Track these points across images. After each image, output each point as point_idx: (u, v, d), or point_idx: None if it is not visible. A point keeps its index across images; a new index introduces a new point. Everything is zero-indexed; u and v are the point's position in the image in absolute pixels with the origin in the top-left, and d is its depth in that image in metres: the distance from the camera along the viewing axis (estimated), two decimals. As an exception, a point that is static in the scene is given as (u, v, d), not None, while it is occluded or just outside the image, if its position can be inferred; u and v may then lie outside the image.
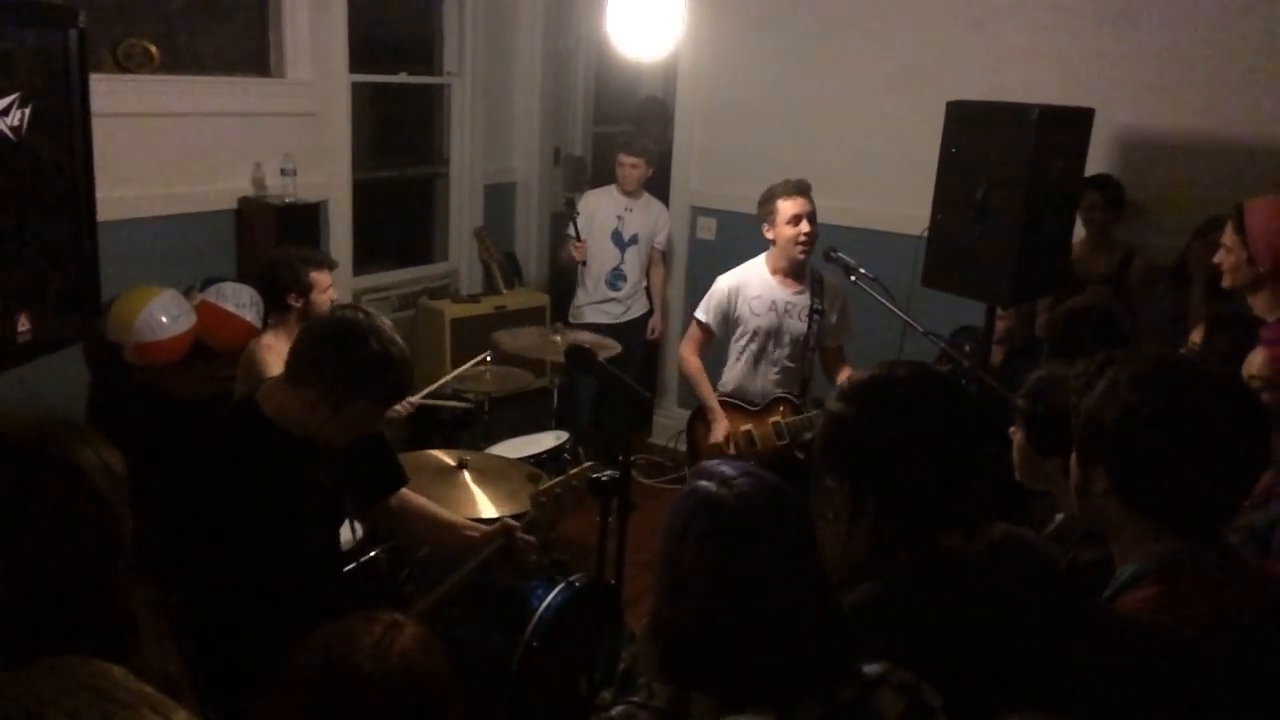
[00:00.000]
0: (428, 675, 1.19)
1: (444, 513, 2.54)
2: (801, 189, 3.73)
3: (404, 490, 2.48)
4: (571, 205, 4.95)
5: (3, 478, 1.24)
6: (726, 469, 1.34)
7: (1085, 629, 1.40)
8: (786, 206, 3.68)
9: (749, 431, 3.79)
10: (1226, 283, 2.67)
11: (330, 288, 3.41)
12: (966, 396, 1.76)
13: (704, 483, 1.32)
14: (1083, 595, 1.60)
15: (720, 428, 3.76)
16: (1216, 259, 2.68)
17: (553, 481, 2.58)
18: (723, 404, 3.82)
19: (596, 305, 5.03)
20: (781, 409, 3.82)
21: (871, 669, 1.30)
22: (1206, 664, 1.31)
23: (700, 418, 3.88)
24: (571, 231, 5.00)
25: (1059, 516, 1.96)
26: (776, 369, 3.82)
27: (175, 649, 1.87)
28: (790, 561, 1.29)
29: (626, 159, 4.93)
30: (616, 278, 5.01)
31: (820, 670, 1.28)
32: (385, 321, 2.11)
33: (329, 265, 3.46)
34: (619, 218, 4.97)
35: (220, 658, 1.95)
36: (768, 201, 3.74)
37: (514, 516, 2.56)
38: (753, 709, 1.23)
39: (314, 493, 2.15)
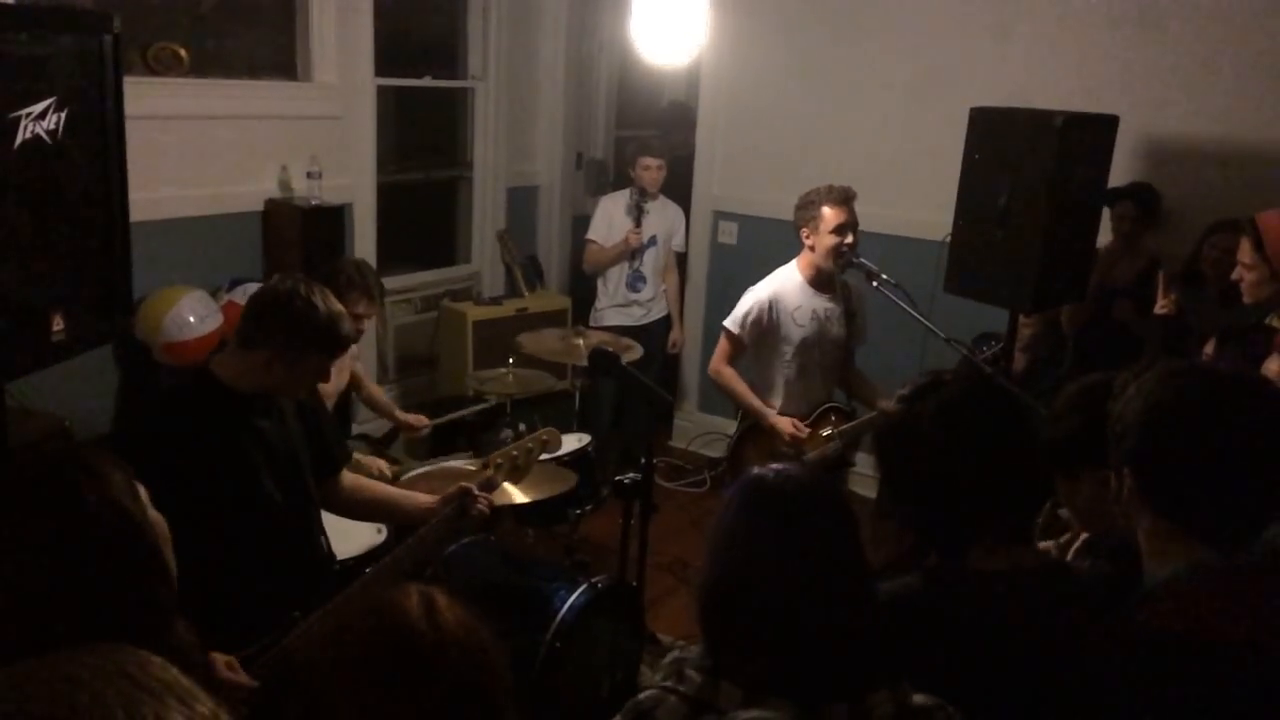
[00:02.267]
0: (477, 632, 1.21)
1: (397, 491, 2.69)
2: (848, 197, 3.53)
3: (357, 477, 2.66)
4: (644, 194, 4.92)
5: (35, 510, 1.30)
6: (780, 465, 1.44)
7: (1110, 641, 1.38)
8: (831, 215, 3.49)
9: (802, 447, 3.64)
10: (1248, 299, 2.63)
11: (364, 319, 3.43)
12: (1022, 414, 1.73)
13: (757, 469, 1.43)
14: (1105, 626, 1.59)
15: (784, 424, 3.58)
16: (1235, 276, 2.64)
17: (508, 447, 2.66)
18: None
19: (618, 308, 5.04)
20: (834, 418, 3.70)
21: (919, 699, 1.32)
22: (1236, 676, 1.28)
23: (750, 438, 3.70)
24: (595, 236, 5.01)
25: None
26: (819, 379, 3.72)
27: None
28: (823, 546, 1.34)
29: (652, 161, 4.91)
30: (636, 279, 5.01)
31: (849, 672, 1.30)
32: (316, 285, 2.31)
33: (371, 296, 3.47)
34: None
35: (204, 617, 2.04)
36: (811, 206, 3.53)
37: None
38: (775, 701, 1.26)
39: (263, 444, 2.28)
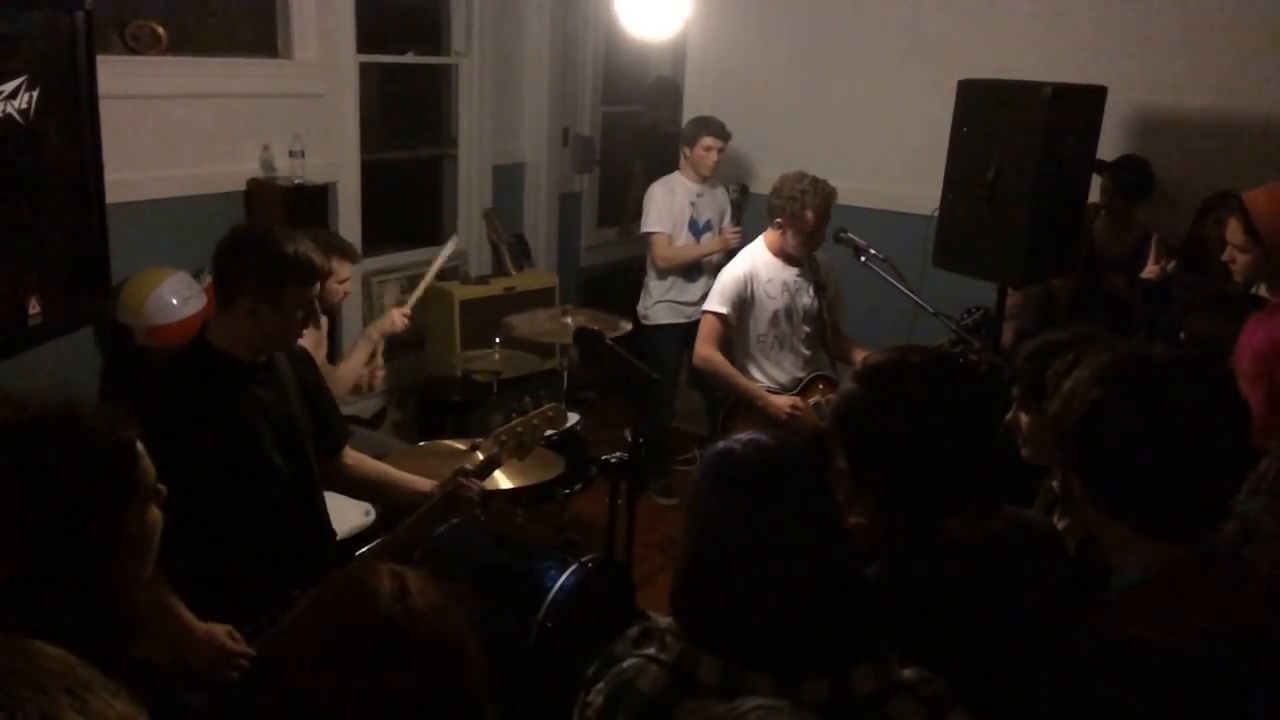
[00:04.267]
0: (450, 615, 1.19)
1: (397, 472, 2.65)
2: (830, 203, 3.66)
3: (360, 455, 2.62)
4: (744, 191, 4.60)
5: (17, 461, 1.24)
6: (745, 434, 1.39)
7: (1078, 654, 1.35)
8: (814, 218, 3.63)
9: None
10: (1241, 279, 2.61)
11: (348, 280, 3.40)
12: (981, 386, 1.74)
13: (722, 443, 1.38)
14: (1086, 579, 1.59)
15: (781, 402, 3.64)
16: (1226, 257, 2.60)
17: (514, 421, 2.60)
18: None
19: (673, 304, 4.70)
20: (821, 387, 3.77)
21: (908, 673, 1.29)
22: (1204, 675, 1.27)
23: (738, 413, 3.72)
24: (659, 227, 4.67)
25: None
26: (802, 348, 3.80)
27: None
28: (797, 516, 1.30)
29: (715, 142, 4.58)
30: (693, 269, 4.71)
31: (829, 644, 1.28)
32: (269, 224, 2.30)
33: (351, 257, 3.47)
34: (692, 204, 4.69)
35: (203, 588, 2.08)
36: (794, 202, 3.62)
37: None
38: (753, 677, 1.24)
39: (265, 414, 2.26)
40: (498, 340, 4.10)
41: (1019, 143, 3.21)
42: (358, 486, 2.66)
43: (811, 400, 3.72)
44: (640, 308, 4.81)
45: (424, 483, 2.56)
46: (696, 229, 4.75)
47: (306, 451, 2.37)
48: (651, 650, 1.32)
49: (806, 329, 3.80)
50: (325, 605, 1.18)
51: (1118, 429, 1.29)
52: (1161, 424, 1.27)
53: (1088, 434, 1.31)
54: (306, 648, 1.14)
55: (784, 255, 3.76)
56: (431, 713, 1.13)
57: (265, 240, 2.20)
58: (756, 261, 3.77)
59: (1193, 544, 1.33)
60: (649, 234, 4.70)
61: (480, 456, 2.55)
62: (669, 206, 4.67)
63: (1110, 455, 1.30)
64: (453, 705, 1.15)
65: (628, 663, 1.32)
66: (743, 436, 1.38)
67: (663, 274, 4.72)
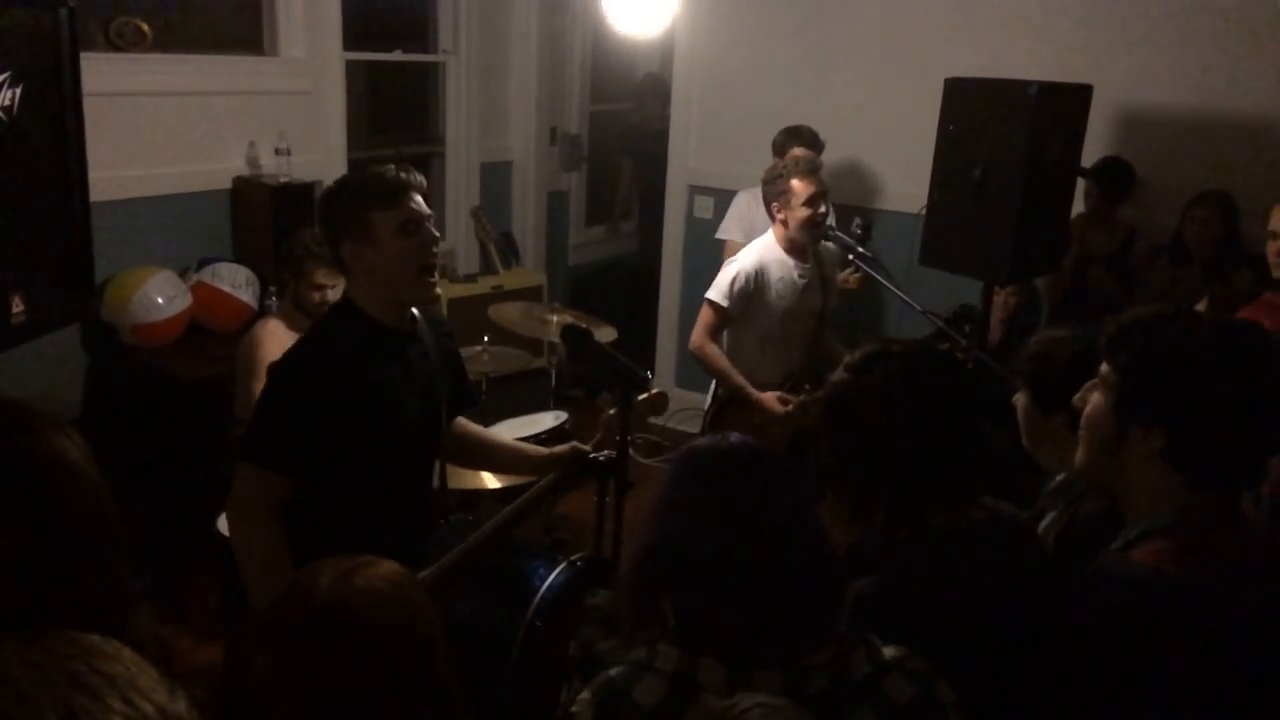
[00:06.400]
0: (388, 596, 1.20)
1: (501, 437, 2.61)
2: (815, 167, 3.52)
3: (464, 422, 2.56)
4: (867, 231, 4.16)
5: None
6: (716, 435, 1.43)
7: (1101, 576, 1.41)
8: (801, 187, 3.46)
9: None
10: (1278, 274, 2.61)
11: (327, 288, 3.30)
12: (962, 375, 1.76)
13: (688, 444, 1.43)
14: (1065, 571, 1.61)
15: (770, 399, 3.56)
16: (1272, 250, 2.60)
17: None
18: None
19: None
20: (808, 386, 3.66)
21: (889, 651, 1.32)
22: (1224, 609, 1.33)
23: (727, 412, 3.67)
24: (731, 235, 4.53)
25: (1059, 477, 1.95)
26: (797, 347, 3.70)
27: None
28: (769, 509, 1.32)
29: (805, 151, 4.18)
30: None
31: (819, 634, 1.29)
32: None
33: (330, 265, 3.37)
34: None
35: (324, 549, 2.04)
36: (779, 180, 3.51)
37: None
38: (760, 672, 1.24)
39: (414, 383, 2.19)
40: (485, 338, 4.09)
41: (1005, 141, 3.21)
42: (462, 452, 2.59)
43: (799, 399, 3.69)
44: None
45: (533, 449, 2.55)
46: None
47: (439, 423, 2.32)
48: (640, 657, 1.30)
49: (807, 326, 3.70)
50: (277, 599, 1.21)
51: (1227, 391, 1.36)
52: (1262, 389, 1.36)
53: (1195, 394, 1.37)
54: (260, 623, 1.17)
55: (794, 249, 3.60)
56: (377, 700, 1.15)
57: (329, 185, 2.14)
58: (766, 258, 3.60)
59: (1229, 493, 1.42)
60: (722, 240, 4.65)
61: (598, 435, 2.54)
62: (747, 214, 4.56)
63: (1211, 416, 1.36)
64: (396, 694, 1.16)
65: (615, 671, 1.30)
66: (713, 436, 1.42)
67: None
